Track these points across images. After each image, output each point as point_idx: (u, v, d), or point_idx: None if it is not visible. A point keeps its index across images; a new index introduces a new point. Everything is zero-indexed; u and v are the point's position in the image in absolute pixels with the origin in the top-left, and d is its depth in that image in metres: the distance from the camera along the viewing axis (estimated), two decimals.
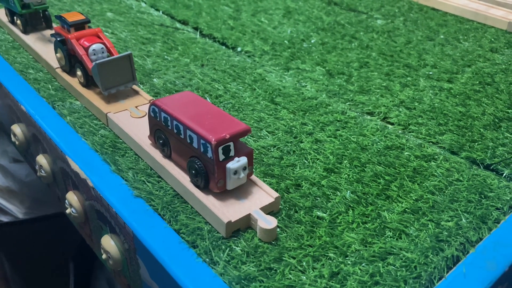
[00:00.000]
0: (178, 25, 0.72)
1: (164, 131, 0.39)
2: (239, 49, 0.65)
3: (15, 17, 0.64)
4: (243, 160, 0.36)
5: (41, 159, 0.49)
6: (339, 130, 0.48)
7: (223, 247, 0.34)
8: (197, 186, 0.37)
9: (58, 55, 0.53)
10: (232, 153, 0.36)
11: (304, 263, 0.33)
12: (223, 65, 0.60)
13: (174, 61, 0.61)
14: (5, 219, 0.80)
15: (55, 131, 0.45)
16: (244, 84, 0.56)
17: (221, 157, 0.35)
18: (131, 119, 0.46)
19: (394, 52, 0.66)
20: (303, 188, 0.40)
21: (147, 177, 0.40)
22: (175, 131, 0.38)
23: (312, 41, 0.68)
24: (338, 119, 0.50)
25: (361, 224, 0.36)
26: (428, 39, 0.70)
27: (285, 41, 0.67)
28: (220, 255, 0.33)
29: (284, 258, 0.33)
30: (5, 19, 0.67)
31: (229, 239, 0.34)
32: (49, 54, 0.57)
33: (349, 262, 0.33)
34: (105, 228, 0.40)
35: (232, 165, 0.35)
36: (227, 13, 0.77)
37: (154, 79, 0.56)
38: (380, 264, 0.33)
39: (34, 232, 0.77)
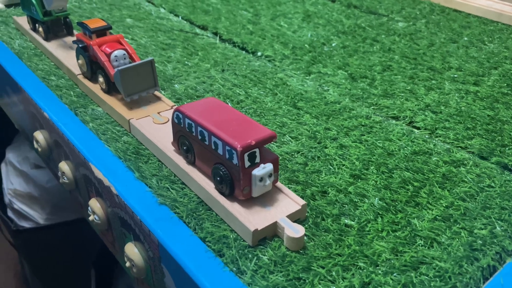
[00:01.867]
0: (197, 30, 0.72)
1: (188, 137, 0.39)
2: (259, 53, 0.64)
3: (37, 25, 0.64)
4: (269, 166, 0.35)
5: (64, 166, 0.49)
6: (364, 135, 0.47)
7: (250, 256, 0.33)
8: (222, 193, 0.36)
9: (80, 61, 0.53)
10: (257, 160, 0.35)
11: (333, 273, 0.32)
12: (244, 70, 0.60)
13: (195, 67, 0.60)
14: (26, 224, 0.81)
15: (78, 137, 0.45)
16: (265, 89, 0.56)
17: (247, 163, 0.34)
18: (154, 125, 0.46)
19: (417, 55, 0.64)
20: (329, 195, 0.39)
21: (171, 184, 0.40)
22: (200, 137, 0.37)
23: (333, 44, 0.67)
24: (363, 123, 0.49)
25: (391, 232, 0.35)
26: (451, 41, 0.69)
27: (306, 45, 0.67)
28: (247, 264, 0.32)
29: (312, 267, 0.32)
30: (27, 26, 0.67)
31: (256, 248, 0.34)
32: (70, 60, 0.57)
33: (380, 271, 0.32)
34: (128, 235, 0.40)
35: (258, 172, 0.35)
36: (246, 18, 0.76)
37: (175, 85, 0.56)
38: (412, 274, 0.32)
39: (55, 238, 0.77)
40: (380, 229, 0.35)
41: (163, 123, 0.46)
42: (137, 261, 0.39)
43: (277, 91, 0.55)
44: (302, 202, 0.36)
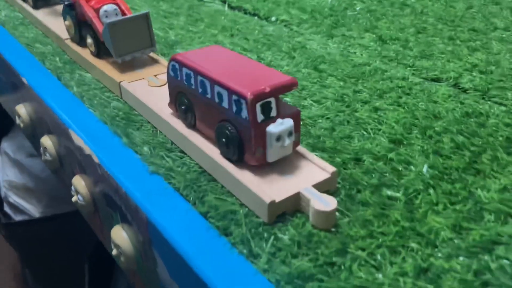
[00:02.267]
0: None
1: (186, 93, 0.31)
2: (273, 18, 0.57)
3: None
4: (288, 122, 0.27)
5: (46, 141, 0.42)
6: (402, 97, 0.39)
7: (266, 235, 0.25)
8: (229, 159, 0.29)
9: (66, 23, 0.46)
10: (273, 113, 0.27)
11: (378, 256, 0.24)
12: (256, 34, 0.52)
13: (200, 33, 0.53)
14: (21, 219, 0.74)
15: (58, 102, 0.38)
16: (281, 52, 0.48)
17: (260, 117, 0.27)
18: (149, 88, 0.38)
19: (455, 17, 0.56)
20: (365, 163, 0.31)
21: (166, 152, 0.32)
22: (200, 89, 0.29)
23: (357, 8, 0.59)
24: (399, 85, 0.41)
25: (448, 205, 0.27)
26: (493, 3, 0.60)
27: (326, 9, 0.59)
28: (262, 246, 0.24)
29: (349, 250, 0.24)
30: None
31: (273, 226, 0.26)
32: (59, 27, 0.50)
33: (440, 254, 0.24)
34: (115, 216, 0.32)
35: (274, 128, 0.27)
36: None
37: (177, 50, 0.48)
38: (487, 258, 0.23)
39: (51, 230, 0.70)
40: (434, 202, 0.27)
41: (160, 86, 0.39)
42: (125, 248, 0.31)
43: (295, 54, 0.47)
44: (332, 169, 0.28)
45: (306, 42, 0.50)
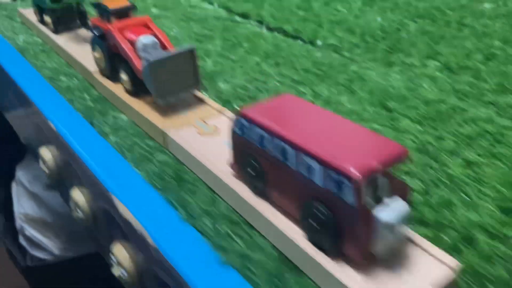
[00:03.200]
0: (238, 18, 0.59)
1: (257, 157, 0.25)
2: (319, 42, 0.51)
3: (44, 15, 0.52)
4: (402, 206, 0.22)
5: (77, 194, 0.36)
6: (495, 146, 0.33)
7: None
8: (318, 247, 0.23)
9: (96, 54, 0.40)
10: (385, 194, 0.21)
11: None
12: (304, 63, 0.47)
13: (241, 61, 0.47)
14: (39, 254, 0.69)
15: (95, 157, 0.32)
16: (337, 85, 0.42)
17: (369, 202, 0.21)
18: (199, 137, 0.33)
19: None
20: (479, 243, 0.25)
21: (232, 226, 0.26)
22: (281, 157, 0.24)
23: (411, 30, 0.53)
24: (487, 130, 0.35)
25: None
26: None
27: (377, 31, 0.53)
28: None
29: None
30: (34, 18, 0.55)
31: None
32: (85, 56, 0.45)
33: None
34: None
35: (386, 215, 0.21)
36: (294, 3, 0.63)
37: (220, 84, 0.43)
38: None
39: (69, 274, 0.64)
40: None
41: (211, 134, 0.33)
42: None
43: (354, 87, 0.42)
44: (453, 261, 0.22)
45: (364, 71, 0.44)
